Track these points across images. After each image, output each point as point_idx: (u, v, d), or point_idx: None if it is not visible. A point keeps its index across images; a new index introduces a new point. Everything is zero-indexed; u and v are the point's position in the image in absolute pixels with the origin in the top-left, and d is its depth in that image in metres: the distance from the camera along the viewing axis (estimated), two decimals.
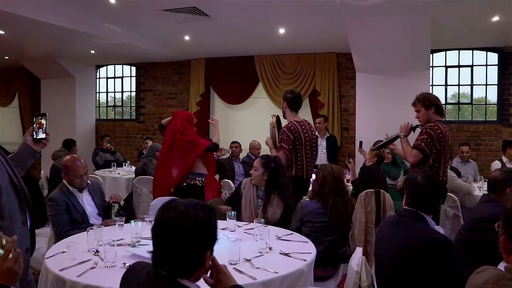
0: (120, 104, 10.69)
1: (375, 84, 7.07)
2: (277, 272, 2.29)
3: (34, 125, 2.43)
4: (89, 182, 3.66)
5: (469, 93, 7.95)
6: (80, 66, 9.89)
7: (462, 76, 7.91)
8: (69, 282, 2.20)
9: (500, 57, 7.62)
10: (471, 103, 7.95)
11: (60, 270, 2.29)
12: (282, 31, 7.03)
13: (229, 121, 9.02)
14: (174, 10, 6.13)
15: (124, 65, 10.44)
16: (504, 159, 6.57)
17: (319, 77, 8.30)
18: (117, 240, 2.75)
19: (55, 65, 9.39)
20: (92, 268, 2.35)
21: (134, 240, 2.83)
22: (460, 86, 7.99)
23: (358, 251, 2.41)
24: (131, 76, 10.40)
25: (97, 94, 10.69)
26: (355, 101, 7.48)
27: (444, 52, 7.90)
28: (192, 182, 4.86)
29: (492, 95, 7.81)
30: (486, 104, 7.90)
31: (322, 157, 6.78)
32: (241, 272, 2.27)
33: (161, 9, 6.16)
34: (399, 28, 6.23)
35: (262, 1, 5.78)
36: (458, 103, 8.03)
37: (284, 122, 4.58)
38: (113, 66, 10.56)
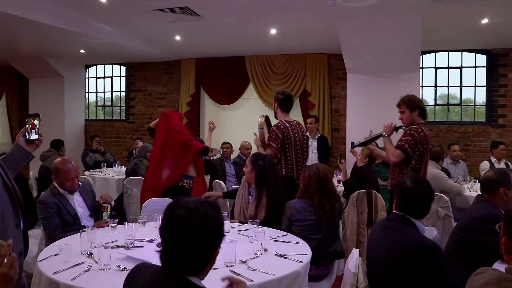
0: (109, 104, 10.60)
1: (365, 85, 7.11)
2: (274, 274, 2.28)
3: (27, 125, 2.38)
4: (80, 183, 3.61)
5: (458, 94, 8.03)
6: (69, 65, 9.78)
7: (451, 78, 7.99)
8: (63, 286, 2.16)
9: (488, 59, 7.70)
10: (460, 104, 8.03)
11: (53, 273, 2.25)
12: (273, 31, 7.03)
13: (220, 121, 8.93)
14: (166, 10, 6.10)
15: (113, 65, 10.35)
16: (493, 159, 6.66)
17: (310, 78, 8.30)
18: (111, 242, 2.72)
19: (44, 65, 9.28)
20: (86, 271, 2.31)
21: (128, 242, 2.80)
22: (449, 88, 8.06)
23: (355, 252, 2.41)
24: (120, 76, 10.30)
25: (86, 94, 10.59)
26: (346, 102, 7.51)
27: (434, 53, 7.97)
28: (180, 184, 4.86)
29: (481, 97, 7.89)
30: (475, 105, 7.98)
31: (313, 158, 6.78)
32: (237, 274, 2.25)
33: (152, 9, 6.12)
34: (390, 30, 6.27)
35: (254, 1, 5.78)
36: (448, 104, 8.10)
37: (274, 123, 4.59)
38: (103, 65, 10.47)
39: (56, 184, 3.48)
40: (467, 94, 8.00)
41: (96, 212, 3.66)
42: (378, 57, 6.79)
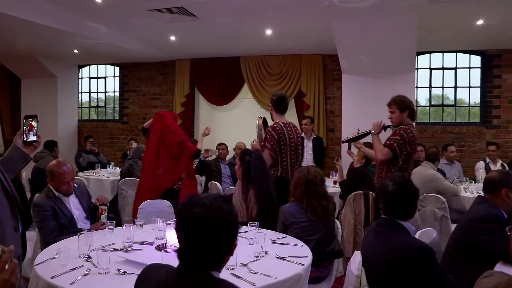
0: (102, 104, 10.52)
1: (361, 86, 7.10)
2: (276, 277, 2.26)
3: (24, 127, 2.34)
4: (75, 185, 3.56)
5: (453, 95, 8.05)
6: (63, 65, 9.69)
7: (446, 78, 8.01)
8: None
9: (483, 60, 7.73)
10: (454, 105, 8.06)
11: (51, 278, 2.21)
12: (269, 32, 7.01)
13: (214, 122, 8.93)
14: (161, 10, 6.05)
15: (107, 65, 10.27)
16: (487, 159, 6.70)
17: (305, 79, 8.29)
18: (109, 245, 2.69)
19: (37, 65, 9.18)
20: (85, 275, 2.27)
21: (126, 244, 2.76)
22: (444, 88, 8.08)
23: (358, 254, 2.39)
24: (114, 77, 10.23)
25: (80, 94, 10.51)
26: (341, 103, 7.50)
27: (429, 54, 7.99)
28: None
29: (475, 97, 7.93)
30: (469, 106, 8.01)
31: (308, 159, 6.78)
32: (239, 277, 2.23)
33: (147, 9, 6.07)
34: (386, 30, 6.27)
35: (250, 1, 5.75)
36: (442, 105, 8.12)
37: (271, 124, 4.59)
38: (96, 66, 10.38)
39: (51, 187, 3.42)
40: (461, 95, 8.03)
41: (92, 214, 3.61)
42: (374, 58, 6.78)
